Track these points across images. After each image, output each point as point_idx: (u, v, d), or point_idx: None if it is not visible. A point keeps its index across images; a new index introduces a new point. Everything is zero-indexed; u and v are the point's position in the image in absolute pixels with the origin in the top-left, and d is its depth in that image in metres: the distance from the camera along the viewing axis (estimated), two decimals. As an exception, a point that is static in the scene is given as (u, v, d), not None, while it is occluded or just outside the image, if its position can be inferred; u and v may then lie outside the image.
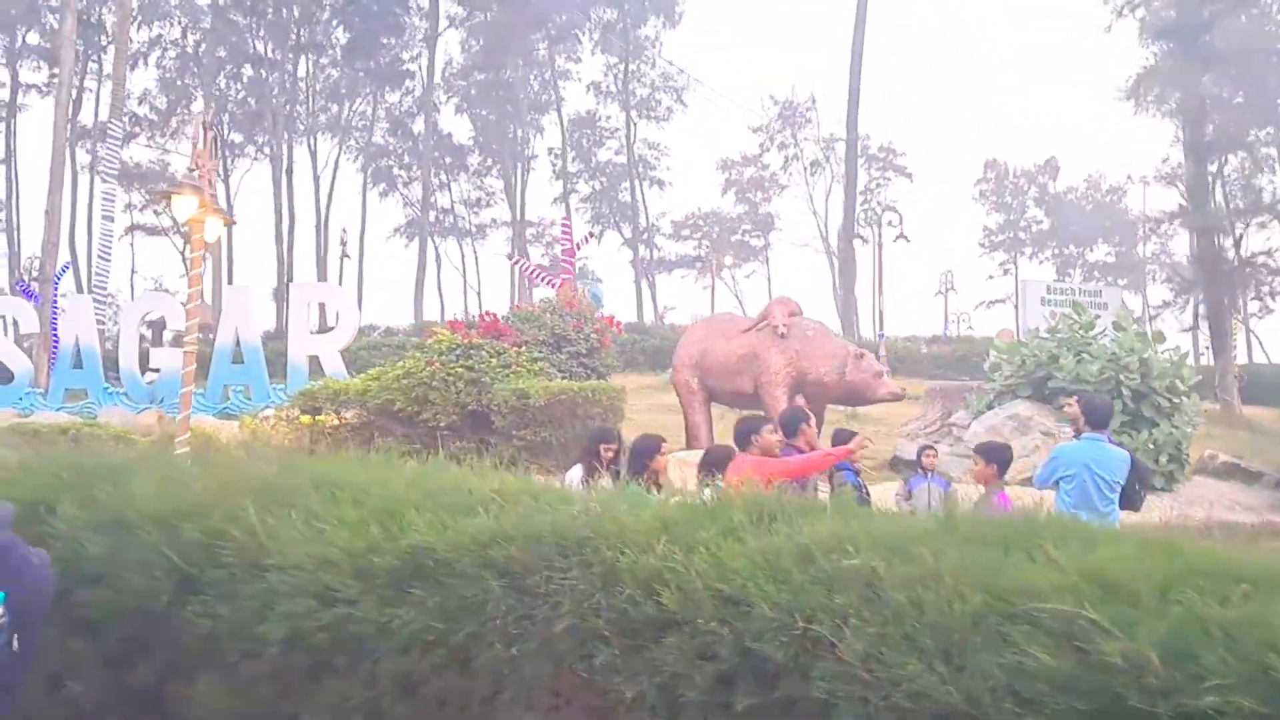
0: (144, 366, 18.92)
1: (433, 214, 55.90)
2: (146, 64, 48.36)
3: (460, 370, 12.50)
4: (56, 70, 45.74)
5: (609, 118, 53.05)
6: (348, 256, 43.98)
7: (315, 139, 46.94)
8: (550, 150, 56.02)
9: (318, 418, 14.34)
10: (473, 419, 12.76)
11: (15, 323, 20.02)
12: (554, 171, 56.48)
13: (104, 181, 23.93)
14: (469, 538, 2.90)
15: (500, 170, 56.02)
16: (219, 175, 43.82)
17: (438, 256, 56.04)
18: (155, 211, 45.54)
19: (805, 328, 12.48)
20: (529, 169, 54.46)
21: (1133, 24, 24.43)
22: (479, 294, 59.88)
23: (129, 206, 53.18)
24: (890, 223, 26.71)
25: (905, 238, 26.24)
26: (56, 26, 44.37)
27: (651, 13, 45.79)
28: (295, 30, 43.33)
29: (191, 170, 9.72)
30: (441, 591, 2.83)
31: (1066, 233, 64.31)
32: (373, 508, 3.23)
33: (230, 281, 38.32)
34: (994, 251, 66.76)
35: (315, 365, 17.95)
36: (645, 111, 52.00)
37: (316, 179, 47.69)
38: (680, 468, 11.45)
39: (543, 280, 21.13)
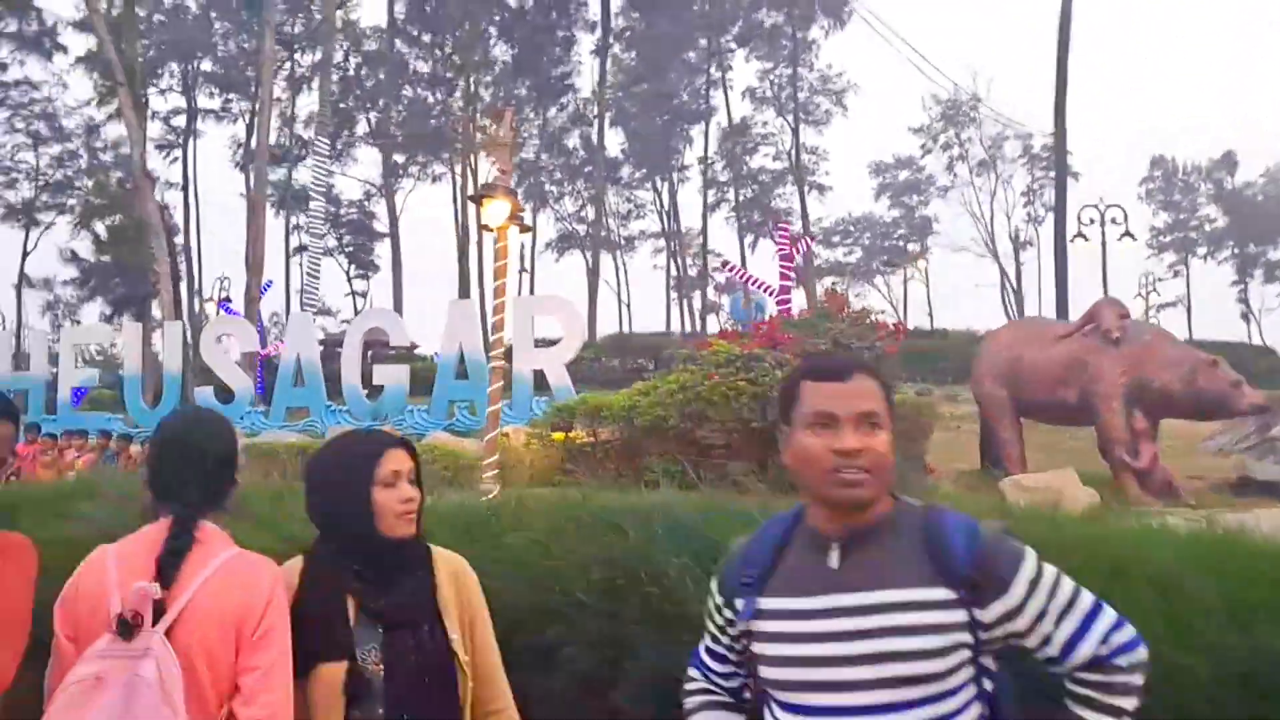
0: (366, 383, 18.57)
1: (582, 227, 55.74)
2: (310, 88, 49.42)
3: (742, 384, 11.42)
4: (231, 96, 47.43)
5: (764, 123, 51.84)
6: (525, 270, 43.85)
7: (475, 157, 47.07)
8: (701, 159, 55.21)
9: (569, 435, 13.54)
10: (753, 437, 11.64)
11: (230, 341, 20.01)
12: (704, 180, 55.63)
13: (314, 200, 23.94)
14: None
15: (650, 181, 55.56)
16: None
17: (589, 269, 55.79)
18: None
19: (1141, 331, 11.01)
20: (683, 179, 53.75)
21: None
22: (628, 307, 59.50)
23: (295, 228, 54.66)
24: (1114, 220, 24.72)
25: (1131, 235, 24.21)
26: (231, 53, 45.85)
27: (821, 15, 44.43)
28: (461, 50, 43.52)
29: (503, 173, 8.95)
30: None
31: (1247, 231, 60.21)
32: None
33: (402, 300, 38.61)
34: (1163, 253, 62.96)
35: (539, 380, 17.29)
36: (804, 116, 50.66)
37: (454, 197, 47.84)
38: (1017, 490, 10.14)
39: (759, 288, 20.05)
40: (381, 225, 55.92)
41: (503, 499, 4.31)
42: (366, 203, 53.76)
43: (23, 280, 47.18)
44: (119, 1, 23.78)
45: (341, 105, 49.82)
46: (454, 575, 2.22)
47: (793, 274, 18.78)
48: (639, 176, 55.78)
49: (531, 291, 48.32)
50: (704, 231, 51.94)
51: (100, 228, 29.32)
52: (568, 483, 12.93)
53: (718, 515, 3.49)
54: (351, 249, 54.27)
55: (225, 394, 19.04)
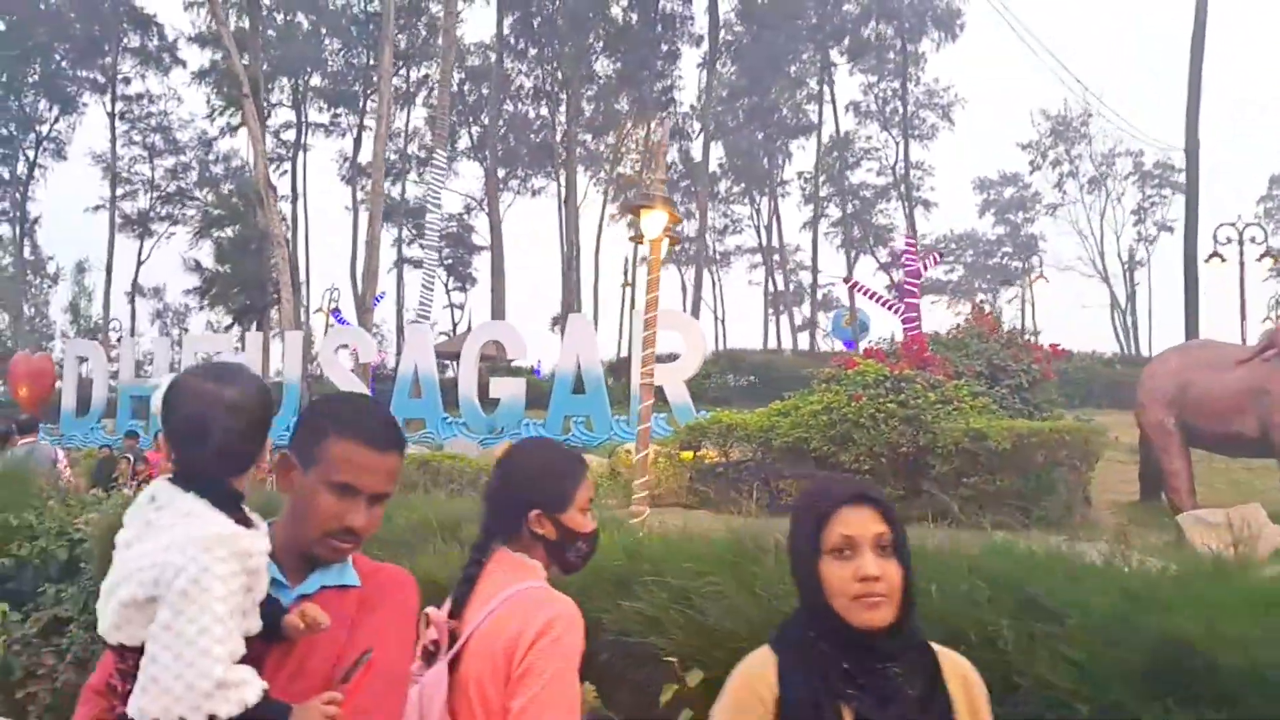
0: (482, 396, 18.47)
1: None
2: (415, 103, 50.17)
3: (892, 406, 10.92)
4: (339, 110, 48.38)
5: (868, 138, 51.01)
6: (629, 284, 43.71)
7: (575, 171, 47.20)
8: (800, 174, 54.56)
9: (698, 454, 13.17)
10: (901, 462, 11.13)
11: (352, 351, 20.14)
12: (803, 196, 54.95)
13: (430, 211, 24.09)
14: None
15: (749, 196, 55.05)
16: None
17: (687, 285, 55.51)
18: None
19: (1330, 357, 10.16)
20: (783, 193, 53.19)
21: None
22: (723, 323, 58.97)
23: (396, 241, 55.49)
24: (1254, 239, 23.46)
25: (1273, 255, 22.93)
26: (340, 69, 46.79)
27: (932, 27, 43.57)
28: (566, 64, 43.70)
29: (662, 182, 8.65)
30: None
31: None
32: None
33: (503, 314, 38.72)
34: (1289, 273, 60.01)
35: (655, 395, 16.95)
36: (910, 130, 49.77)
37: (576, 210, 47.99)
38: (1198, 526, 9.44)
39: (883, 305, 19.45)
40: (479, 239, 56.60)
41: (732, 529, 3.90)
42: (466, 216, 54.34)
43: (135, 289, 48.80)
44: (241, 15, 24.30)
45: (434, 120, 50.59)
46: (964, 684, 1.80)
47: (918, 291, 18.10)
48: (737, 191, 55.37)
49: (633, 306, 48.12)
50: (815, 247, 51.03)
51: (220, 238, 29.96)
52: (697, 504, 12.57)
53: (1037, 564, 3.05)
54: (450, 262, 54.86)
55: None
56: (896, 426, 10.90)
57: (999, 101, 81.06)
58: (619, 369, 22.20)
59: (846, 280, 31.53)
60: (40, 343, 45.32)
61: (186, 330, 56.34)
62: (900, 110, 49.31)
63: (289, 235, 39.72)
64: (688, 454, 13.00)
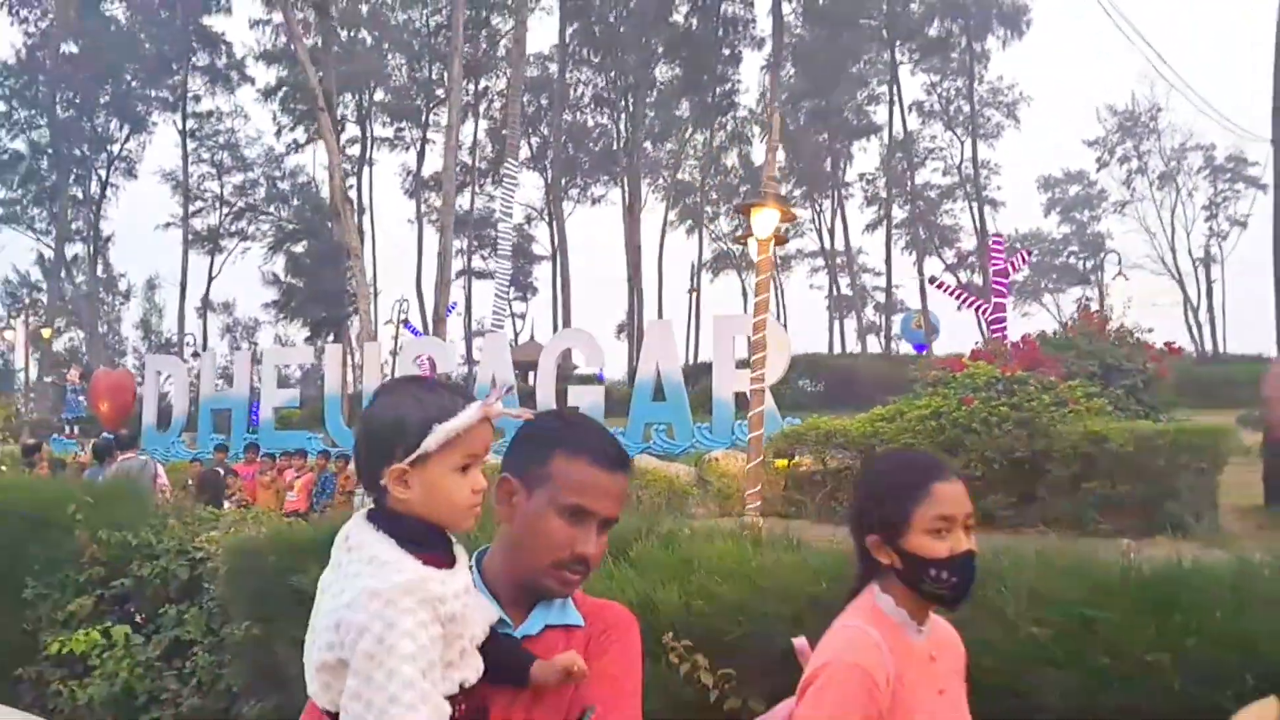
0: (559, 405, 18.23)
1: (738, 247, 55.06)
2: (478, 115, 50.30)
3: (1004, 410, 10.43)
4: (403, 124, 48.75)
5: (932, 137, 50.24)
6: (694, 290, 43.52)
7: (638, 178, 47.05)
8: (862, 176, 53.92)
9: (792, 461, 12.78)
10: (1015, 468, 10.63)
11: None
12: (865, 198, 54.31)
13: (502, 221, 23.98)
14: None
15: (810, 199, 54.49)
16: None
17: (745, 292, 55.10)
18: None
19: None
20: (848, 194, 52.62)
21: None
22: (785, 327, 58.27)
23: (459, 251, 55.72)
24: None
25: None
26: (404, 83, 47.15)
27: (997, 25, 42.80)
28: (626, 72, 43.62)
29: (773, 180, 8.33)
30: None
31: None
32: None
33: (570, 322, 38.65)
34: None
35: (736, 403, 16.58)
36: (975, 129, 48.96)
37: (638, 218, 47.87)
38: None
39: (970, 305, 18.93)
40: (538, 248, 56.73)
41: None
42: (526, 226, 54.46)
43: (206, 305, 49.57)
44: (309, 31, 24.44)
45: (504, 131, 50.59)
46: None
47: (1007, 289, 17.52)
48: (798, 194, 54.85)
49: (698, 311, 47.89)
50: (888, 248, 50.34)
51: (293, 252, 30.16)
52: (796, 514, 12.19)
53: None
54: (511, 271, 54.95)
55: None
56: (1010, 430, 10.42)
57: (1062, 99, 79.49)
58: (691, 375, 21.95)
59: (933, 281, 30.99)
60: (112, 359, 46.21)
61: (256, 344, 57.32)
62: (965, 109, 48.55)
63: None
64: (782, 461, 12.61)
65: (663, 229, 47.04)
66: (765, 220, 8.33)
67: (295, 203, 40.78)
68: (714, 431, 16.34)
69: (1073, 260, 60.90)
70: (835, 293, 54.00)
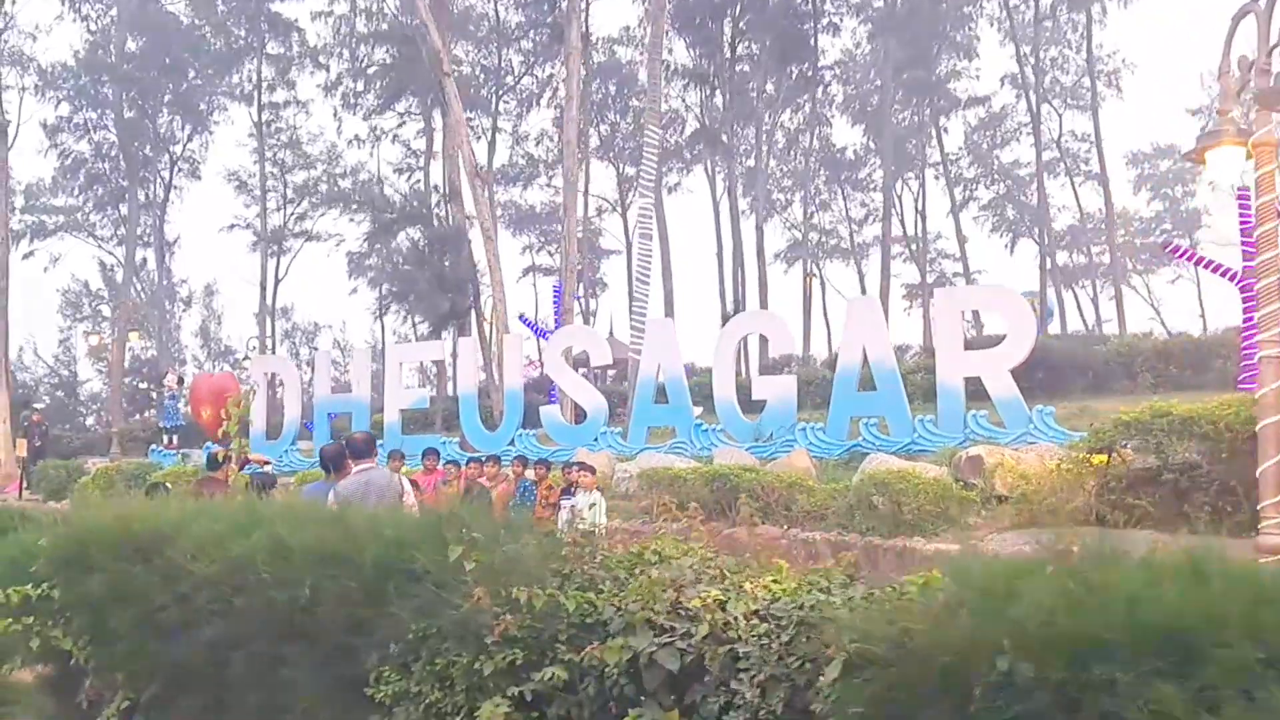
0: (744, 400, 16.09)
1: (814, 234, 52.69)
2: (540, 104, 48.21)
3: None
4: (472, 114, 46.67)
5: (1026, 111, 47.61)
6: (812, 276, 41.22)
7: (734, 161, 44.86)
8: (947, 155, 51.34)
9: (1113, 457, 10.53)
10: None
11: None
12: (948, 178, 51.73)
13: (643, 195, 21.87)
14: None
15: (887, 183, 52.04)
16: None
17: (823, 282, 52.78)
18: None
19: None
20: (936, 175, 50.16)
21: None
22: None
23: (526, 248, 53.84)
24: None
25: None
26: (469, 74, 45.13)
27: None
28: (709, 52, 41.51)
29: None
30: None
31: None
32: None
33: (673, 312, 36.56)
34: None
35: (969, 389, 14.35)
36: (1069, 102, 46.39)
37: (716, 205, 45.69)
38: None
39: (1223, 274, 16.71)
40: (607, 242, 54.65)
41: None
42: (597, 218, 52.41)
43: (273, 308, 47.83)
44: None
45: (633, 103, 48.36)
46: None
47: (1257, 251, 15.16)
48: (873, 178, 52.43)
49: (764, 302, 45.57)
50: (957, 229, 47.93)
51: (398, 243, 28.14)
52: (1122, 522, 9.95)
53: None
54: (580, 266, 52.90)
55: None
56: None
57: (1157, 70, 75.40)
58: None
59: (1165, 247, 29.04)
60: (174, 366, 44.51)
61: (315, 349, 55.46)
62: (1060, 81, 45.98)
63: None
64: (1101, 457, 10.38)
65: (759, 213, 44.57)
66: (1228, 160, 6.38)
67: (394, 189, 38.73)
68: (940, 425, 14.09)
69: (1164, 238, 58.05)
70: (921, 279, 51.50)
